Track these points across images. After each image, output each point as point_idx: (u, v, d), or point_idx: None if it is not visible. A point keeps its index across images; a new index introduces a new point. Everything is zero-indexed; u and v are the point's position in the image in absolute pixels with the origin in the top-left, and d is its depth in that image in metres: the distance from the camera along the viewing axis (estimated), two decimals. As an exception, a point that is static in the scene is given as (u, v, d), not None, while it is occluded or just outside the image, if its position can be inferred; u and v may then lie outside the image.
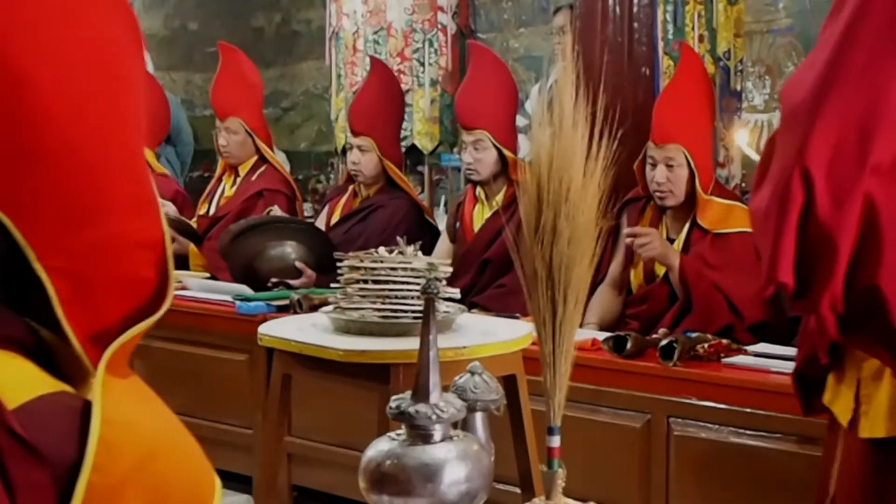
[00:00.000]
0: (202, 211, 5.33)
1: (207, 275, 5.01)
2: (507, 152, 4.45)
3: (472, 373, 1.95)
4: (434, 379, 1.74)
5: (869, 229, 1.57)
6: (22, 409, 0.80)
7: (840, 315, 1.61)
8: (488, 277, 4.39)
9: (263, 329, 3.03)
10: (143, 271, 0.88)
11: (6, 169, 0.83)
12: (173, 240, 5.08)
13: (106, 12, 0.89)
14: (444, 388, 1.83)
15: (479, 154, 4.43)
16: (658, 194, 3.91)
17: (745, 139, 2.42)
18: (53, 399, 0.83)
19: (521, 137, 4.77)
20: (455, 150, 5.01)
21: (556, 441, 1.76)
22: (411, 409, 1.73)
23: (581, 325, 3.83)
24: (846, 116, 1.56)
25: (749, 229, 3.69)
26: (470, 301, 4.21)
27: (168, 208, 5.22)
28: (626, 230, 3.91)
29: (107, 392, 0.83)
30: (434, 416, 1.72)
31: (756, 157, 2.33)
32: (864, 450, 1.74)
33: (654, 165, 3.91)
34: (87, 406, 0.83)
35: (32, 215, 0.84)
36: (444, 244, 4.69)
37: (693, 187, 3.85)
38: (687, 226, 3.91)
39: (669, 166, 3.87)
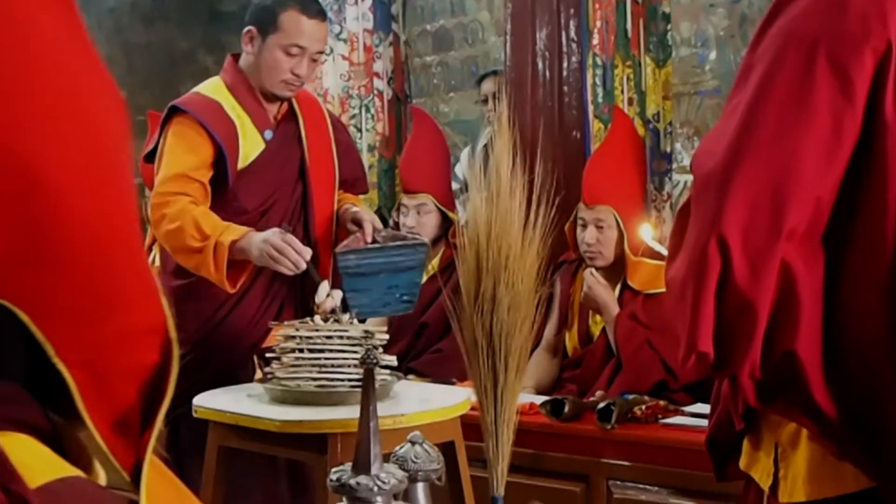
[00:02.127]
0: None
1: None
2: (451, 214, 4.44)
3: (413, 442, 1.93)
4: (375, 450, 1.72)
5: (786, 295, 1.56)
6: (44, 488, 0.80)
7: (758, 382, 1.60)
8: (425, 342, 4.37)
9: (198, 400, 2.98)
10: (151, 356, 0.89)
11: (23, 267, 0.83)
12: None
13: (106, 103, 0.89)
14: (385, 459, 1.81)
15: (421, 218, 4.43)
16: (588, 255, 3.94)
17: (649, 234, 2.43)
18: (73, 482, 0.83)
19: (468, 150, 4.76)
20: (393, 214, 4.98)
21: (499, 511, 1.75)
22: (352, 482, 1.70)
23: (518, 389, 3.86)
24: (759, 183, 1.55)
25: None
26: (406, 366, 4.19)
27: None
28: (587, 270, 3.92)
29: (150, 489, 0.85)
30: (376, 488, 1.70)
31: (663, 250, 2.33)
32: None
33: (584, 226, 3.95)
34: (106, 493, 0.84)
35: (50, 311, 0.84)
36: None
37: (623, 248, 3.89)
38: (618, 287, 3.93)
39: (599, 227, 3.90)
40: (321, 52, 3.44)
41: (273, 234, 3.14)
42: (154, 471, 0.87)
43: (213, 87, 3.40)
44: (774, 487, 1.73)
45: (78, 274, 0.84)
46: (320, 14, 3.40)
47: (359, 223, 3.34)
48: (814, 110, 1.54)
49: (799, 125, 1.55)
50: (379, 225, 3.37)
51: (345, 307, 3.15)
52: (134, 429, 0.87)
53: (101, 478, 0.88)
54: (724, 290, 1.55)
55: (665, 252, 2.36)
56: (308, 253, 3.17)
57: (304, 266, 3.15)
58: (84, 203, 0.85)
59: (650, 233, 2.49)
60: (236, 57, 3.45)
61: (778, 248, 1.55)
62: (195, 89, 3.44)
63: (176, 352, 0.91)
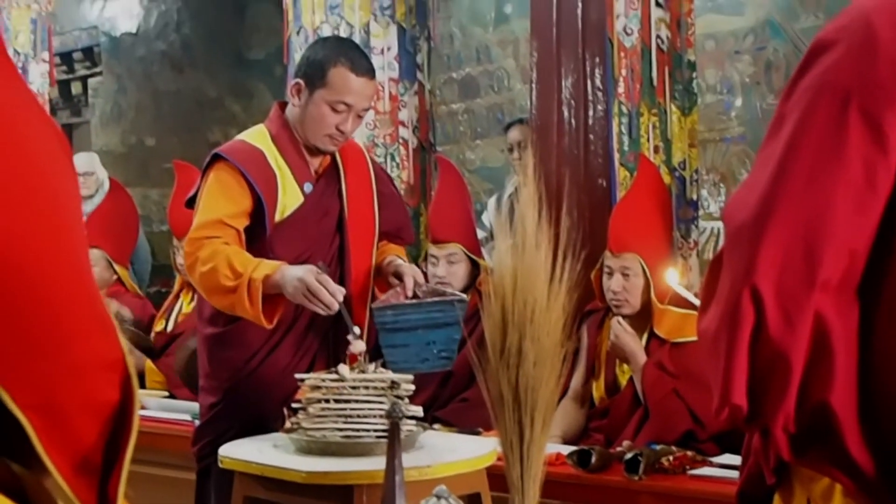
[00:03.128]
0: (159, 327, 5.28)
1: (166, 393, 4.95)
2: (482, 262, 4.44)
3: (439, 497, 1.93)
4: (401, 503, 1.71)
5: (820, 347, 1.55)
6: None
7: (792, 435, 1.59)
8: (450, 390, 4.36)
9: (224, 451, 2.98)
10: (110, 393, 0.89)
11: None
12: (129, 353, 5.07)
13: (40, 136, 0.89)
14: (411, 512, 1.80)
15: (452, 267, 4.43)
16: (614, 303, 3.93)
17: (675, 280, 2.43)
18: None
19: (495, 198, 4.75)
20: (420, 264, 4.98)
21: (526, 566, 1.73)
22: (378, 536, 1.70)
23: (544, 439, 3.85)
24: (792, 234, 1.54)
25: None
26: (432, 415, 4.18)
27: (125, 313, 5.18)
28: (614, 319, 3.91)
29: None
30: (401, 543, 1.69)
31: (689, 295, 2.33)
32: None
33: (610, 274, 3.94)
34: None
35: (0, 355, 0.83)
36: None
37: (649, 296, 3.88)
38: (645, 335, 3.92)
39: (625, 275, 3.90)
40: (367, 109, 3.44)
41: (308, 272, 3.12)
42: None
43: (258, 136, 3.40)
44: None
45: (23, 315, 0.84)
46: (369, 72, 3.38)
47: (400, 277, 3.34)
48: (847, 161, 1.53)
49: (832, 176, 1.54)
50: (421, 279, 3.36)
51: (373, 358, 3.15)
52: (96, 470, 0.86)
53: None
54: (757, 341, 1.54)
55: (690, 297, 2.36)
56: (341, 293, 3.15)
57: (337, 308, 3.13)
58: (22, 246, 0.85)
59: (676, 278, 2.49)
60: (283, 105, 3.45)
61: (812, 300, 1.53)
62: (239, 136, 3.45)
63: (136, 389, 0.91)
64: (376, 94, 6.11)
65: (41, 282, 0.85)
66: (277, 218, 3.32)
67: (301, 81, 3.35)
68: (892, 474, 1.56)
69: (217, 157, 3.33)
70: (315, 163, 3.42)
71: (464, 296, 3.37)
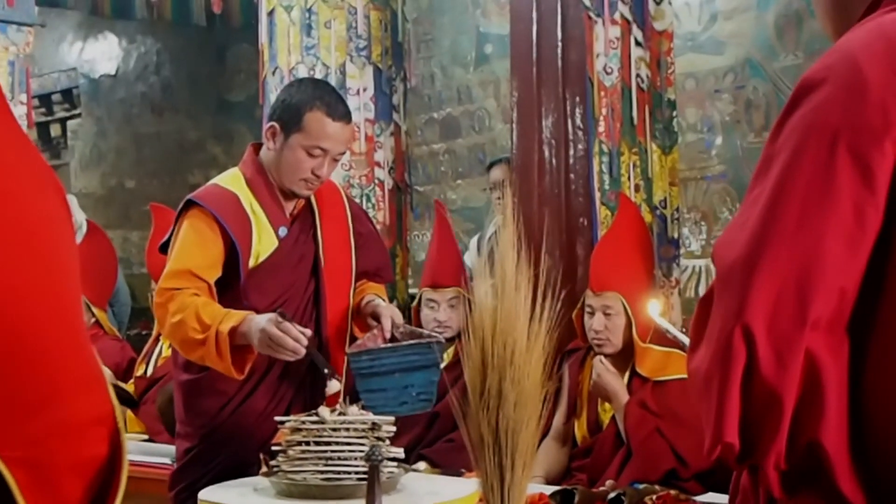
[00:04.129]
0: (139, 372, 5.25)
1: (145, 436, 4.91)
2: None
3: (420, 540, 1.91)
4: (381, 549, 1.69)
5: (811, 385, 1.54)
6: None
7: (783, 473, 1.59)
8: (436, 431, 4.34)
9: (204, 494, 2.95)
10: (97, 448, 0.87)
11: None
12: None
13: (37, 191, 0.88)
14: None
15: (452, 312, 4.43)
16: (596, 342, 3.92)
17: (657, 311, 2.43)
18: None
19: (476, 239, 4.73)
20: (413, 308, 4.94)
21: None
22: (358, 582, 1.67)
23: (527, 480, 3.82)
24: (783, 273, 1.54)
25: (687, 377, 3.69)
26: (418, 453, 4.17)
27: (104, 372, 5.13)
28: (596, 358, 3.89)
29: None
30: (381, 588, 1.67)
31: (671, 328, 2.33)
32: None
33: (591, 314, 3.93)
34: None
35: None
36: None
37: (631, 335, 3.87)
38: (627, 374, 3.91)
39: (607, 314, 3.89)
40: (343, 153, 3.42)
41: (268, 322, 3.09)
42: None
43: (232, 179, 3.37)
44: None
45: (13, 371, 0.82)
46: (346, 116, 3.35)
47: (377, 318, 3.31)
48: (836, 201, 1.53)
49: (821, 215, 1.54)
50: (399, 319, 3.33)
51: (352, 401, 3.13)
52: None
53: None
54: (749, 380, 1.53)
55: (672, 329, 2.36)
56: (307, 334, 3.13)
57: (303, 352, 3.11)
58: (13, 304, 0.83)
59: (658, 309, 2.48)
60: (257, 147, 3.42)
61: (803, 339, 1.53)
62: (213, 180, 3.42)
63: (124, 442, 0.89)
64: (352, 136, 6.13)
65: (34, 338, 0.84)
66: (252, 264, 3.28)
67: (276, 125, 3.31)
68: None
69: (191, 204, 3.30)
70: (290, 206, 3.39)
71: (440, 337, 3.34)
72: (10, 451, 0.83)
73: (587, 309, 3.96)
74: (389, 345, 3.19)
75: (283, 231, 3.34)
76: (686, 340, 2.19)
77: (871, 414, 1.55)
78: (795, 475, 1.57)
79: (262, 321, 3.10)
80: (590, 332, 3.94)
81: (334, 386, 3.14)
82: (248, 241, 3.27)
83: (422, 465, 4.14)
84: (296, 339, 3.09)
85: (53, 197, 0.91)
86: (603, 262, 3.99)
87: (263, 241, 3.31)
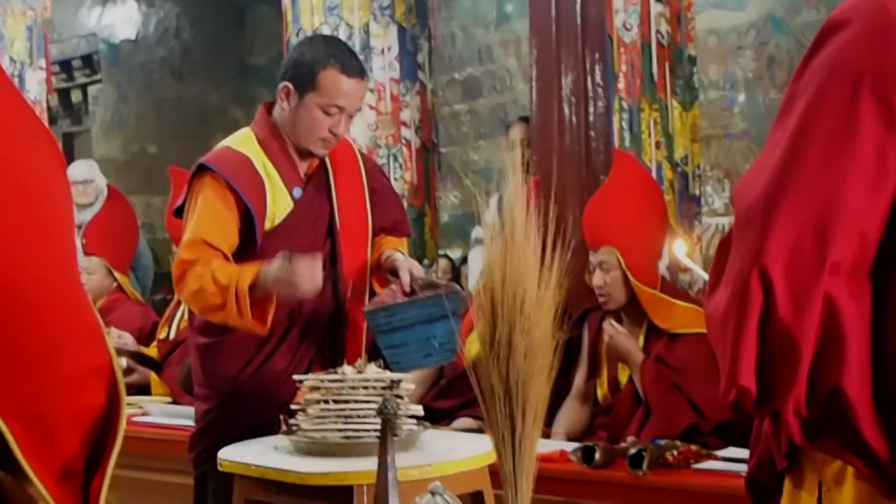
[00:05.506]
0: (162, 335, 5.26)
1: (169, 399, 4.93)
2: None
3: (434, 493, 1.90)
4: (394, 501, 1.69)
5: (830, 330, 1.53)
6: None
7: (804, 419, 1.58)
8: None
9: (223, 454, 2.96)
10: (94, 398, 0.87)
11: None
12: (133, 370, 4.99)
13: (34, 151, 0.88)
14: (407, 510, 1.78)
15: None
16: (601, 299, 3.92)
17: (682, 251, 2.42)
18: None
19: (481, 249, 4.73)
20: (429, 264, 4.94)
21: (521, 561, 1.71)
22: (372, 534, 1.68)
23: (549, 437, 3.82)
24: (803, 216, 1.53)
25: (703, 330, 3.68)
26: (460, 415, 4.19)
27: (126, 339, 5.14)
28: (606, 321, 3.89)
29: None
30: (395, 540, 1.67)
31: (695, 267, 2.33)
32: None
33: (592, 271, 3.93)
34: None
35: None
36: None
37: (632, 288, 3.85)
38: (644, 329, 3.90)
39: (604, 269, 3.88)
40: (359, 109, 3.38)
41: (278, 269, 3.08)
42: None
43: (244, 141, 3.33)
44: None
45: (9, 326, 0.83)
46: (360, 72, 3.30)
47: (396, 273, 3.28)
48: (858, 143, 1.52)
49: (843, 158, 1.53)
50: (418, 271, 3.29)
51: (373, 358, 3.12)
52: (78, 476, 0.85)
53: None
54: (766, 323, 1.53)
55: (696, 269, 2.35)
56: (319, 257, 3.12)
57: (320, 282, 3.10)
58: (11, 259, 0.83)
59: (683, 249, 2.47)
60: (269, 107, 3.37)
61: (822, 282, 1.52)
62: (224, 142, 3.37)
63: (122, 392, 0.89)
64: (378, 95, 6.11)
65: (30, 291, 0.84)
66: (267, 226, 3.25)
67: (290, 85, 3.26)
68: None
69: (203, 168, 3.27)
70: (304, 166, 3.36)
71: (456, 286, 3.32)
72: (6, 405, 0.83)
73: (589, 267, 3.95)
74: (405, 299, 3.17)
75: (297, 192, 3.31)
76: (707, 277, 2.19)
77: (891, 357, 1.54)
78: (817, 421, 1.56)
79: (273, 266, 3.09)
80: (596, 290, 3.94)
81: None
82: (263, 205, 3.25)
83: (465, 421, 4.15)
84: (308, 270, 3.08)
85: (44, 149, 0.90)
86: (594, 218, 3.98)
87: (278, 203, 3.28)
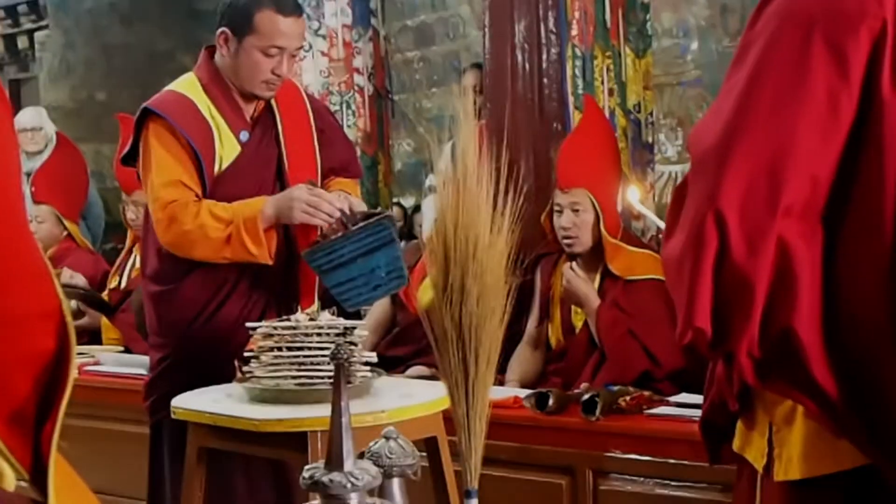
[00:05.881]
0: (113, 284, 5.22)
1: (121, 348, 4.91)
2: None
3: (387, 438, 1.91)
4: (347, 446, 1.69)
5: (783, 273, 1.57)
6: None
7: (756, 360, 1.60)
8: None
9: (177, 402, 2.96)
10: (44, 342, 0.86)
11: None
12: (84, 313, 4.97)
13: None
14: (360, 455, 1.78)
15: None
16: (566, 241, 3.91)
17: (636, 197, 2.44)
18: None
19: (433, 196, 4.71)
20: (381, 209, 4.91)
21: (474, 504, 1.72)
22: (325, 479, 1.67)
23: (503, 384, 3.84)
24: (756, 160, 1.56)
25: (660, 276, 3.71)
26: (414, 363, 4.19)
27: (78, 279, 5.12)
28: (566, 265, 3.89)
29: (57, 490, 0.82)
30: (349, 485, 1.67)
31: (649, 213, 2.36)
32: (782, 493, 1.72)
33: (560, 212, 3.92)
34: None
35: None
36: (382, 308, 4.58)
37: (600, 233, 3.86)
38: (599, 274, 3.91)
39: (575, 211, 3.87)
40: (300, 48, 3.37)
41: (299, 189, 3.18)
42: (60, 471, 0.84)
43: (188, 85, 3.31)
44: (769, 467, 1.73)
45: None
46: (296, 10, 3.30)
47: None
48: (810, 89, 1.55)
49: (795, 103, 1.56)
50: (358, 206, 3.29)
51: (327, 304, 3.12)
52: (29, 421, 0.84)
53: (9, 480, 0.85)
54: (721, 266, 1.56)
55: (650, 214, 2.38)
56: (343, 201, 3.18)
57: (338, 213, 3.15)
58: None
59: (637, 195, 2.48)
60: (211, 51, 3.35)
61: (775, 225, 1.55)
62: (169, 86, 3.36)
63: (72, 337, 0.88)
64: (330, 42, 6.05)
65: None
66: (216, 170, 3.26)
67: (227, 30, 3.26)
68: (856, 397, 1.58)
69: (149, 113, 3.25)
70: (249, 109, 3.35)
71: (390, 213, 3.31)
72: None
73: (556, 208, 3.94)
74: (340, 234, 3.15)
75: (244, 135, 3.31)
76: (661, 224, 2.23)
77: (845, 301, 1.58)
78: (769, 362, 1.60)
79: (294, 191, 3.18)
80: (559, 231, 3.92)
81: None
82: (211, 148, 3.24)
83: (418, 369, 4.16)
84: (330, 202, 3.15)
85: None
86: (570, 159, 3.97)
87: (226, 147, 3.27)
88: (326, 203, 3.14)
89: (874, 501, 1.66)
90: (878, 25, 1.54)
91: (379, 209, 3.57)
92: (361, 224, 3.12)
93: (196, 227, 3.15)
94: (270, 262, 3.20)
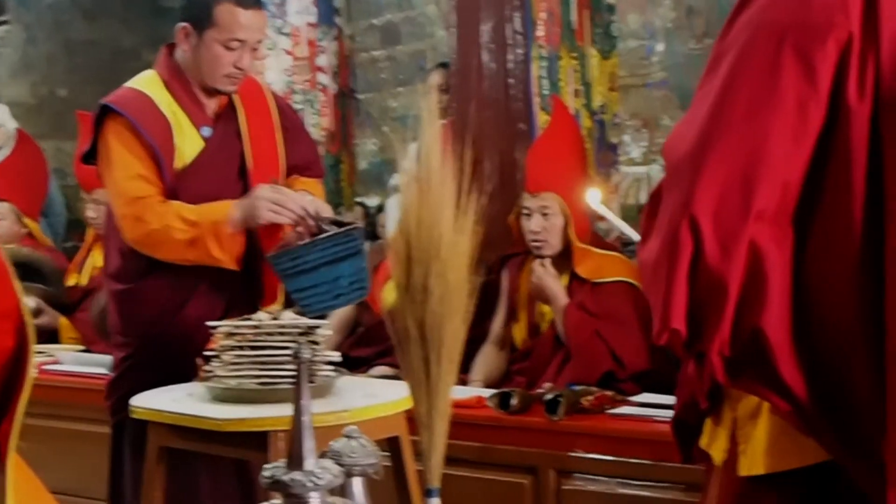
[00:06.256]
0: (72, 282, 5.18)
1: (81, 347, 4.87)
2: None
3: (349, 437, 1.90)
4: (309, 445, 1.68)
5: (754, 274, 1.62)
6: None
7: (727, 359, 1.64)
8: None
9: (136, 401, 2.94)
10: (2, 341, 0.85)
11: None
12: (42, 311, 4.92)
13: None
14: (322, 455, 1.77)
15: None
16: (534, 244, 3.91)
17: (596, 199, 2.45)
18: None
19: (397, 196, 4.70)
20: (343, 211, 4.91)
21: (435, 503, 1.71)
22: (286, 478, 1.66)
23: (466, 384, 3.84)
24: (729, 167, 1.62)
25: (627, 279, 3.73)
26: (377, 363, 4.19)
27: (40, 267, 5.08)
28: (536, 261, 3.89)
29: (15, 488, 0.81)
30: (310, 484, 1.66)
31: (609, 215, 2.40)
32: (742, 488, 1.76)
33: (529, 215, 3.92)
34: None
35: None
36: (346, 308, 4.52)
37: (568, 237, 3.87)
38: (566, 277, 3.92)
39: (545, 215, 3.88)
40: (261, 41, 3.36)
41: (263, 189, 3.16)
42: (17, 470, 0.84)
43: (147, 82, 3.30)
44: (731, 462, 1.77)
45: None
46: (256, 2, 3.29)
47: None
48: (781, 97, 1.61)
49: (767, 111, 1.61)
50: (325, 211, 3.28)
51: (288, 304, 3.10)
52: None
53: None
54: (696, 269, 1.61)
55: (611, 216, 2.41)
56: (307, 201, 3.17)
57: (303, 212, 3.14)
58: None
59: (598, 197, 2.49)
60: (171, 48, 3.34)
61: (747, 230, 1.61)
62: (128, 83, 3.34)
63: (31, 336, 0.87)
64: (294, 40, 6.03)
65: None
66: (178, 167, 3.24)
67: (188, 25, 3.24)
68: (825, 396, 1.63)
69: (107, 110, 3.23)
70: (212, 105, 3.34)
71: (359, 223, 3.31)
72: None
73: (524, 211, 3.95)
74: (308, 240, 3.14)
75: (206, 131, 3.29)
76: (623, 227, 2.28)
77: (814, 303, 1.63)
78: (739, 361, 1.65)
79: (257, 191, 3.16)
80: (528, 235, 3.93)
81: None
82: (170, 144, 3.23)
83: (381, 370, 4.15)
84: (295, 200, 3.14)
85: None
86: (539, 162, 3.97)
87: (187, 143, 3.26)
88: (291, 201, 3.13)
89: (834, 498, 1.70)
90: (845, 37, 1.61)
91: (349, 219, 3.55)
92: (330, 233, 3.11)
93: (162, 228, 3.13)
94: (236, 268, 3.18)
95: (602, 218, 4.66)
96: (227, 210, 3.14)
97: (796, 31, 1.62)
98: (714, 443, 1.82)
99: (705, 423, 1.86)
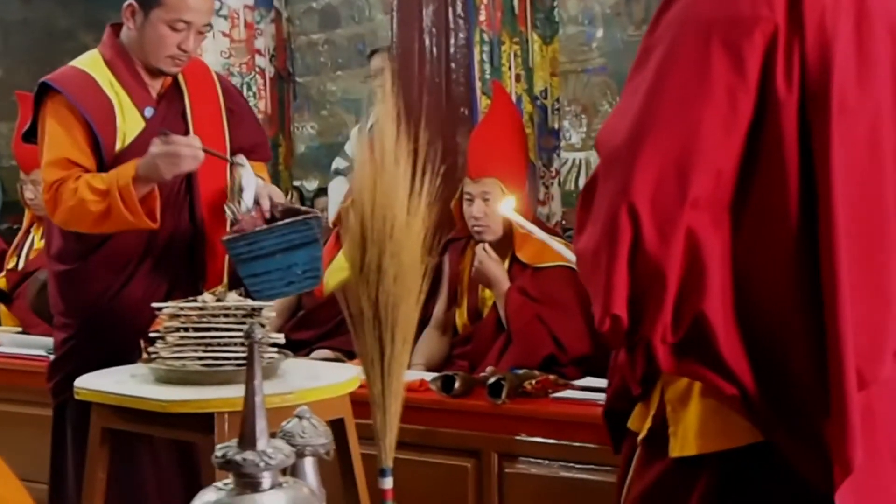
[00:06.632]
0: (10, 265, 5.12)
1: (19, 329, 4.81)
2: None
3: (300, 417, 1.90)
4: (261, 425, 1.68)
5: (693, 261, 1.65)
6: None
7: (670, 345, 1.67)
8: (345, 327, 4.30)
9: (80, 382, 2.91)
10: None
11: None
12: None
13: None
14: (272, 435, 1.77)
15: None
16: (476, 229, 3.93)
17: (510, 208, 2.48)
18: None
19: (341, 179, 4.72)
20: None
21: (388, 483, 1.73)
22: (238, 457, 1.66)
23: (409, 367, 3.84)
24: (664, 155, 1.64)
25: (567, 264, 3.75)
26: (318, 346, 4.18)
27: None
28: (479, 246, 3.90)
29: None
30: (262, 464, 1.66)
31: (525, 223, 2.43)
32: (667, 466, 1.80)
33: (471, 201, 3.94)
34: None
35: None
36: None
37: (509, 222, 3.88)
38: (507, 261, 3.94)
39: (486, 200, 3.90)
40: (208, 25, 3.34)
41: (156, 146, 3.10)
42: None
43: (90, 62, 3.28)
44: (655, 441, 1.81)
45: None
46: None
47: (256, 199, 3.26)
48: (710, 88, 1.64)
49: (698, 101, 1.65)
50: (279, 197, 3.27)
51: (234, 287, 3.09)
52: None
53: None
54: (635, 256, 1.64)
55: (528, 225, 2.44)
56: (196, 139, 3.14)
57: (201, 152, 3.12)
58: None
59: (512, 205, 2.51)
60: (116, 29, 3.31)
61: (684, 216, 1.63)
62: (71, 63, 3.32)
63: None
64: (231, 22, 5.99)
65: None
66: (119, 147, 3.22)
67: (134, 3, 3.23)
68: (766, 378, 1.66)
69: (47, 88, 3.21)
70: (155, 85, 3.32)
71: (318, 212, 3.30)
72: None
73: (466, 196, 3.96)
74: (265, 226, 3.13)
75: (149, 111, 3.27)
76: (537, 231, 2.32)
77: (752, 287, 1.66)
78: (681, 347, 1.68)
79: (151, 150, 3.10)
80: (469, 220, 3.95)
81: (248, 176, 3.14)
82: (111, 124, 3.21)
83: (323, 353, 4.15)
84: (187, 144, 3.10)
85: None
86: (480, 148, 3.98)
87: (129, 123, 3.24)
88: (184, 146, 3.10)
89: (759, 479, 1.73)
90: (771, 29, 1.65)
91: (306, 208, 3.53)
92: (289, 221, 3.10)
93: (77, 203, 3.12)
94: (155, 226, 3.16)
95: (544, 202, 4.71)
96: (132, 172, 3.11)
97: (724, 25, 1.66)
98: (638, 421, 1.87)
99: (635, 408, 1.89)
